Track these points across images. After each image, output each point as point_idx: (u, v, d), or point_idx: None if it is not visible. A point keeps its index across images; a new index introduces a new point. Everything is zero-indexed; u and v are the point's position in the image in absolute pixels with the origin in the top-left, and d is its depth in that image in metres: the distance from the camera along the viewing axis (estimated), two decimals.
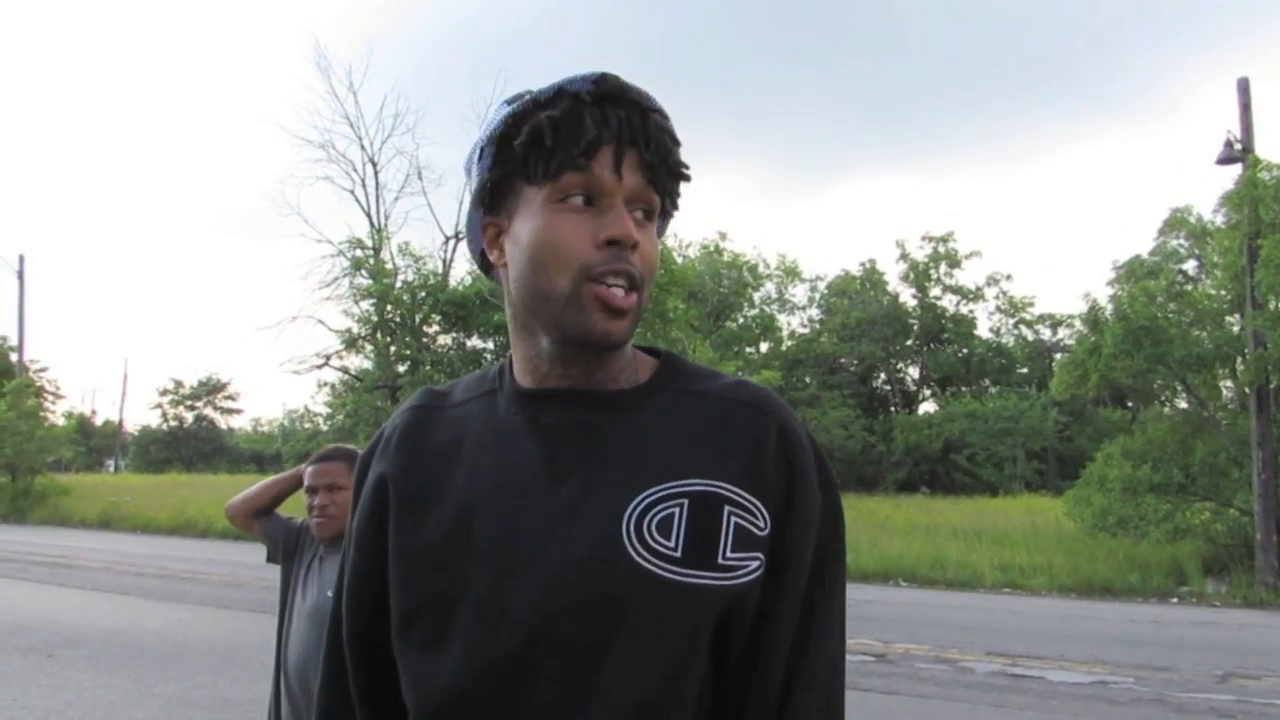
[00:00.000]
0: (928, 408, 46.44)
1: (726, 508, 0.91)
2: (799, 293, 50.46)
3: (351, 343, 25.82)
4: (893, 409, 45.94)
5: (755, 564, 0.92)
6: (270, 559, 2.87)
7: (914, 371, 48.41)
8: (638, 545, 0.90)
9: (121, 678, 7.01)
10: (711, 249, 45.33)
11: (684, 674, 0.91)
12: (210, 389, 61.52)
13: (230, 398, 62.82)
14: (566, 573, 0.90)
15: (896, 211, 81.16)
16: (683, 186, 1.00)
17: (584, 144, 0.91)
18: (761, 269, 47.83)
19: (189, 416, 61.27)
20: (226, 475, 44.03)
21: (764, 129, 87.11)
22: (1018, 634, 9.70)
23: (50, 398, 34.13)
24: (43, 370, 37.80)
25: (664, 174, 0.96)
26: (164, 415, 60.99)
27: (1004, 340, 47.28)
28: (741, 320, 46.93)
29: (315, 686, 2.38)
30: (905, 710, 6.42)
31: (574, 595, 0.89)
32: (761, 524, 0.92)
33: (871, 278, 47.88)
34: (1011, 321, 47.42)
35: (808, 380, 44.10)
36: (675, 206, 1.01)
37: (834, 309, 47.81)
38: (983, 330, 47.29)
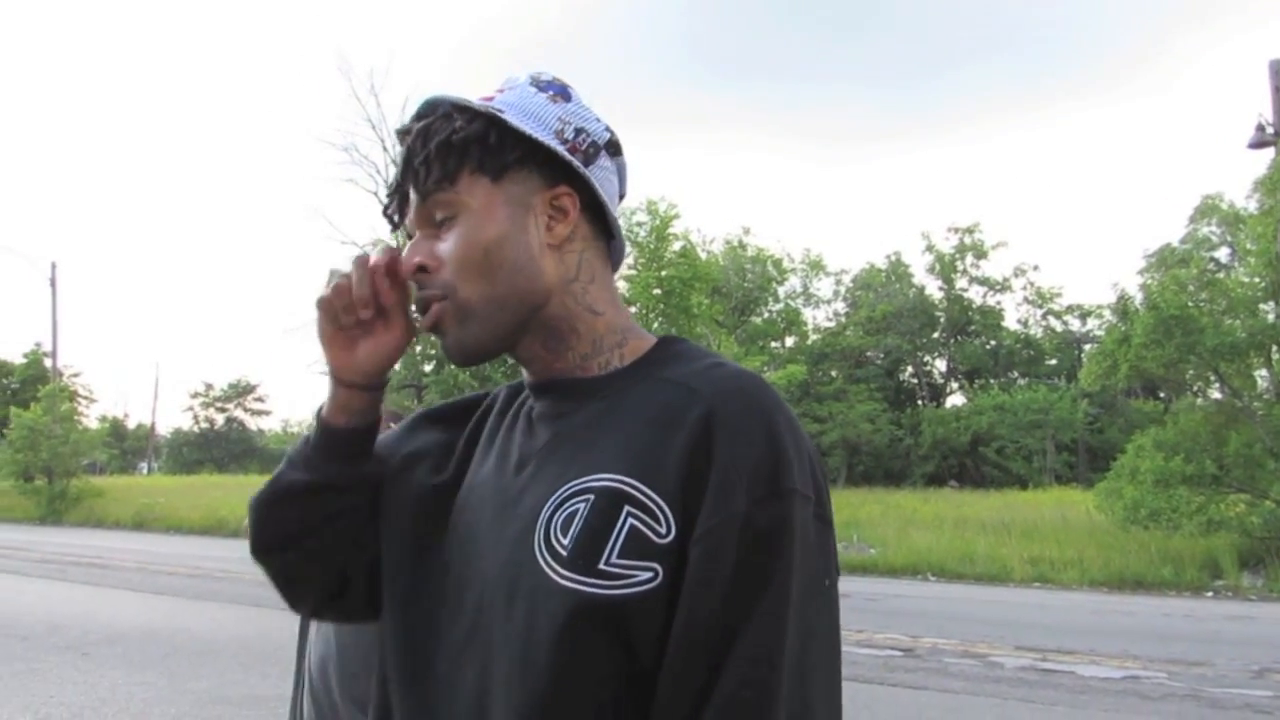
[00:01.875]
0: (955, 401, 46.10)
1: (626, 507, 0.82)
2: (824, 286, 50.33)
3: None
4: (920, 402, 45.63)
5: (646, 575, 0.80)
6: None
7: (941, 364, 48.10)
8: (542, 541, 0.85)
9: (154, 675, 7.10)
10: (735, 244, 45.22)
11: (580, 691, 0.81)
12: (240, 391, 62.12)
13: (259, 400, 63.42)
14: (495, 565, 0.89)
15: (921, 202, 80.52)
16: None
17: (386, 204, 1.00)
18: (786, 263, 47.66)
19: (220, 419, 61.89)
20: (257, 476, 44.42)
21: (786, 116, 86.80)
22: (1048, 628, 9.61)
23: (84, 402, 34.68)
24: (76, 375, 38.47)
25: (435, 171, 0.93)
26: (195, 418, 61.65)
27: (1032, 332, 46.81)
28: (766, 315, 46.78)
29: (336, 686, 2.41)
30: (933, 705, 6.38)
31: (496, 588, 0.88)
32: (662, 530, 0.81)
33: (897, 270, 47.56)
34: (1040, 312, 46.97)
35: (834, 374, 43.87)
36: (492, 151, 0.93)
37: (859, 302, 47.53)
38: (1010, 322, 46.90)
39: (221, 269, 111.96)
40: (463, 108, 0.94)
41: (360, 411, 1.00)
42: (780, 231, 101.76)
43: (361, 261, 0.96)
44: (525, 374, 1.00)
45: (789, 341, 47.52)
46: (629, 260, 26.34)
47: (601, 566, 0.80)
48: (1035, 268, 47.37)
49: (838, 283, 50.05)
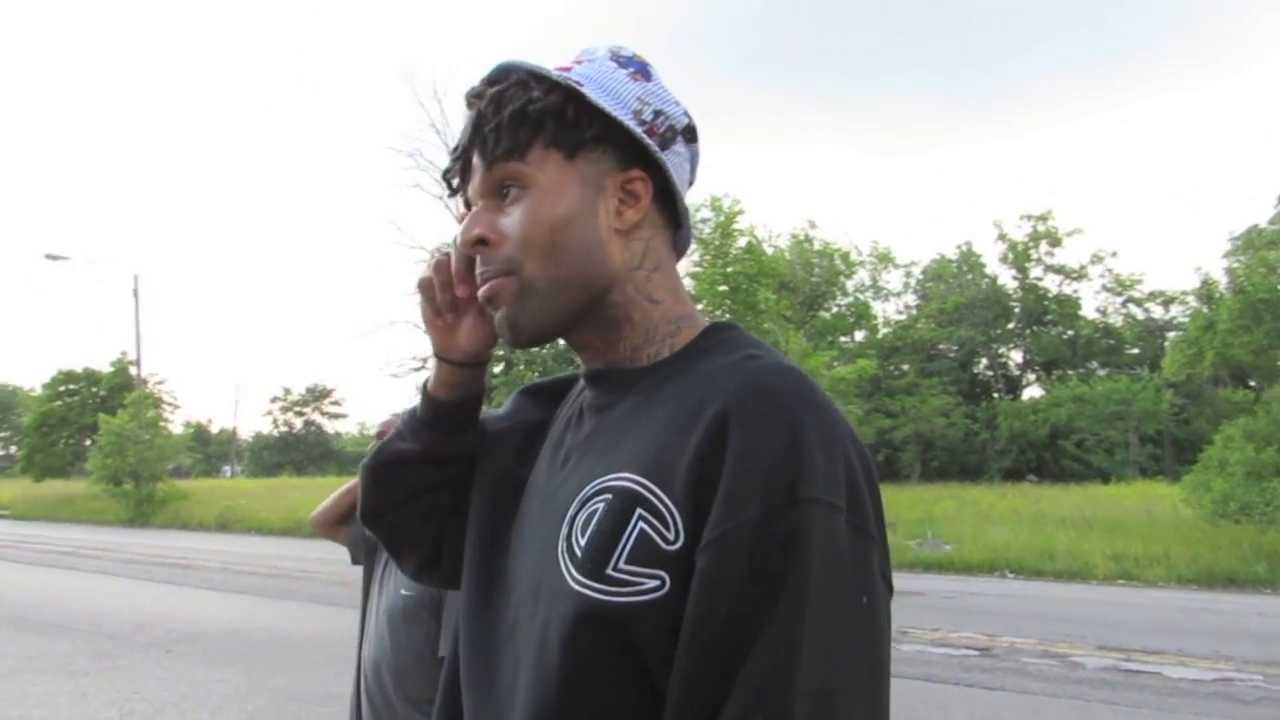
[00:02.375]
0: (1032, 393, 45.12)
1: (638, 510, 0.77)
2: (893, 279, 49.59)
3: None
4: (995, 395, 44.72)
5: (653, 584, 0.75)
6: (354, 561, 2.94)
7: (1017, 356, 47.08)
8: (564, 540, 0.82)
9: (233, 672, 7.27)
10: (801, 238, 44.81)
11: (589, 699, 0.78)
12: (317, 395, 63.65)
13: (335, 403, 64.92)
14: (530, 558, 0.88)
15: (993, 190, 78.91)
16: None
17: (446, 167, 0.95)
18: (854, 256, 47.07)
19: (298, 422, 63.54)
20: (335, 478, 45.43)
21: (851, 107, 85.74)
22: (1132, 627, 9.31)
23: (168, 408, 35.78)
24: (160, 383, 39.64)
25: (505, 141, 0.88)
26: (274, 422, 63.40)
27: (1111, 320, 45.51)
28: (835, 309, 46.28)
29: (390, 684, 2.41)
30: (1010, 706, 6.21)
31: (529, 583, 0.86)
32: (671, 535, 0.76)
33: (968, 260, 46.67)
34: (1119, 300, 45.64)
35: (905, 368, 43.25)
36: (569, 126, 0.88)
37: (930, 294, 46.75)
38: (1088, 310, 45.67)
39: (297, 276, 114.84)
40: (540, 76, 0.89)
41: (462, 385, 1.01)
42: (847, 224, 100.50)
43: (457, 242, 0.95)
44: (580, 362, 0.96)
45: (858, 336, 46.99)
46: (694, 257, 26.29)
47: (609, 571, 0.77)
48: (1114, 254, 46.19)
49: (907, 275, 49.32)
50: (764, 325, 25.93)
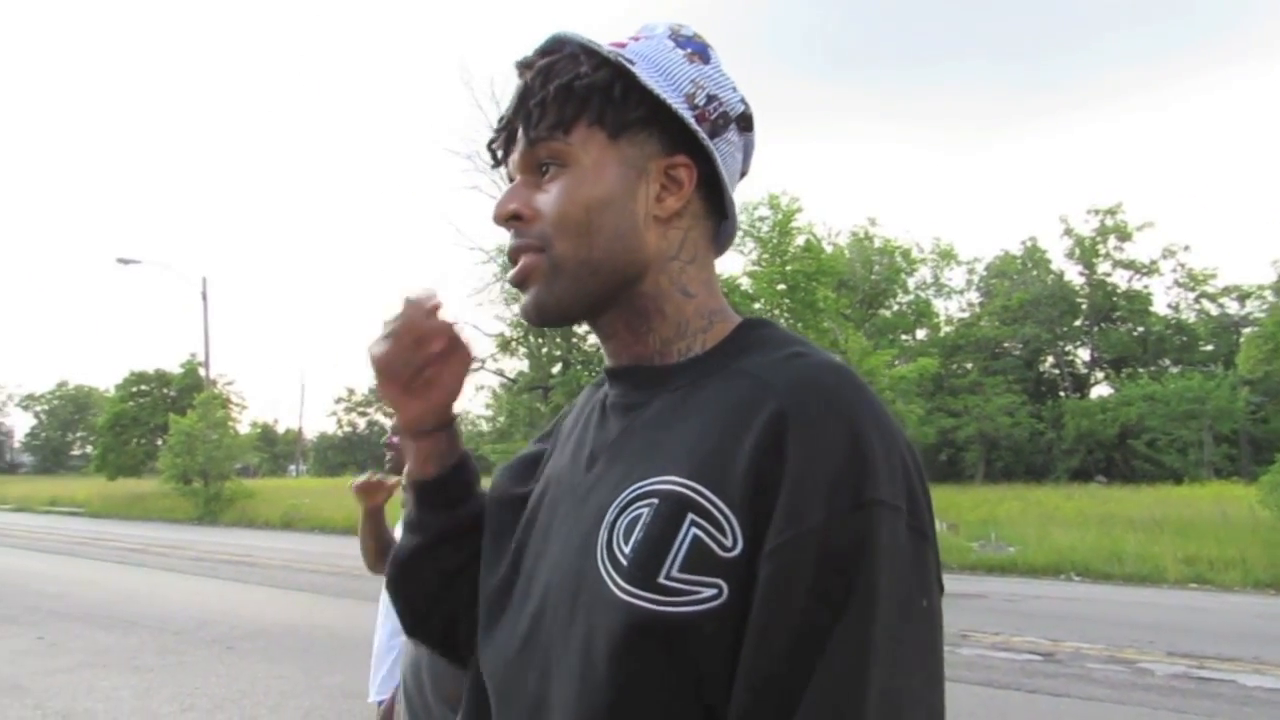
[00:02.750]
0: (1101, 391, 44.14)
1: (689, 515, 0.74)
2: (956, 276, 49.01)
3: (505, 345, 26.54)
4: (1062, 394, 43.81)
5: (710, 592, 0.72)
6: None
7: (1084, 353, 46.11)
8: (605, 546, 0.78)
9: (292, 669, 7.38)
10: (861, 235, 44.30)
11: (641, 713, 0.74)
12: (379, 396, 64.59)
13: None
14: (560, 566, 0.83)
15: (1058, 184, 77.24)
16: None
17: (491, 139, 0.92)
18: (915, 253, 46.42)
19: (361, 422, 64.59)
20: (397, 476, 46.02)
21: (912, 103, 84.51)
22: (1205, 633, 9.00)
23: (236, 409, 36.51)
24: (229, 384, 40.55)
25: (550, 116, 0.85)
26: (339, 422, 64.62)
27: (1184, 316, 44.32)
28: (896, 307, 45.72)
29: (428, 685, 2.39)
30: (1074, 713, 6.03)
31: (560, 592, 0.82)
32: (728, 542, 0.72)
33: (1033, 256, 45.81)
34: (1192, 296, 44.42)
35: (968, 366, 42.59)
36: (615, 105, 0.85)
37: (994, 291, 45.98)
38: (1160, 306, 44.63)
39: (360, 277, 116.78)
40: (591, 51, 0.85)
41: (445, 453, 0.97)
42: (909, 221, 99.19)
43: (413, 300, 0.92)
44: (604, 355, 0.93)
45: (920, 334, 46.40)
46: (751, 256, 26.13)
47: (662, 580, 0.73)
48: (1185, 248, 44.92)
49: (970, 272, 48.61)
50: (823, 324, 25.68)
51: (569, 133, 0.84)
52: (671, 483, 0.76)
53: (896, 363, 31.44)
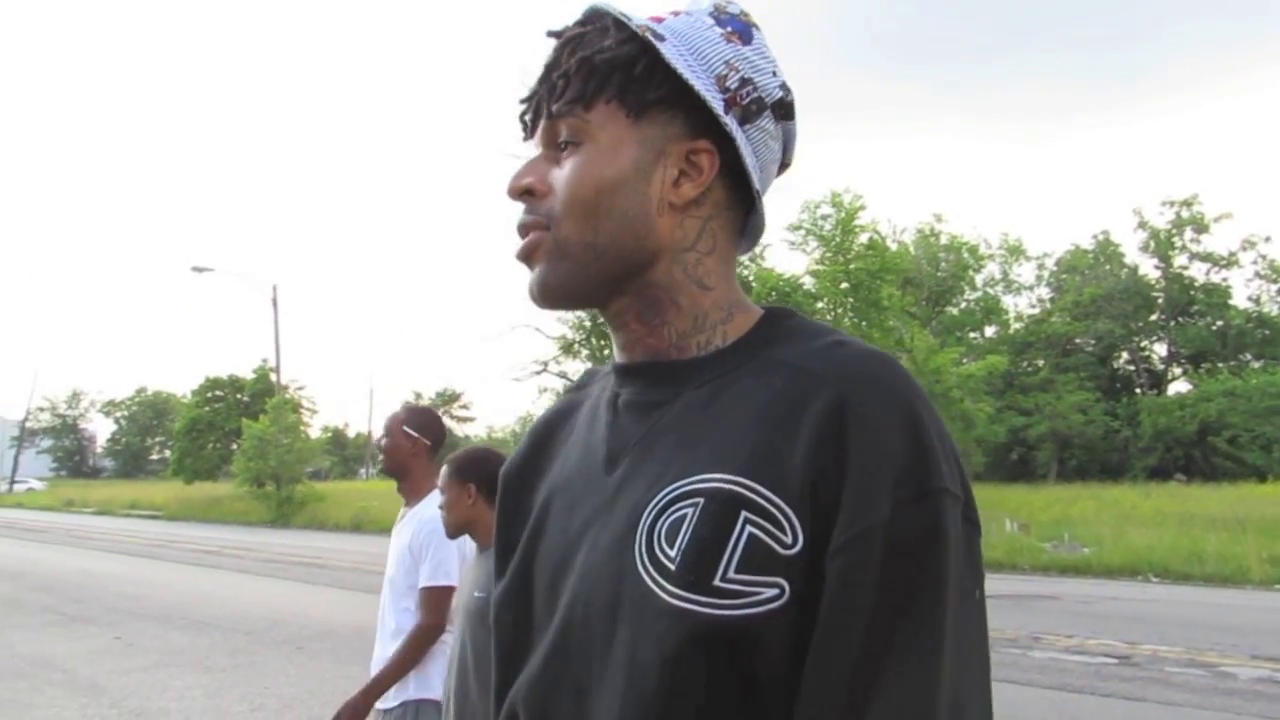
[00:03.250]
0: (1178, 387, 42.87)
1: (743, 514, 0.70)
2: (1025, 271, 47.98)
3: (567, 348, 26.67)
4: (1138, 390, 42.65)
5: (771, 593, 0.69)
6: None
7: (1160, 349, 44.83)
8: (644, 552, 0.74)
9: (360, 669, 7.42)
10: (927, 232, 43.63)
11: None
12: (446, 399, 65.48)
13: (464, 406, 66.69)
14: (589, 576, 0.79)
15: (1131, 176, 75.18)
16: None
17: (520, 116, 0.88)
18: (983, 249, 45.59)
19: None
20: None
21: (978, 97, 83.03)
22: None
23: (307, 413, 37.22)
24: (300, 389, 41.31)
25: (571, 90, 0.81)
26: None
27: (1266, 309, 42.76)
28: (963, 305, 44.95)
29: (473, 684, 2.38)
30: (1151, 718, 5.84)
31: (591, 602, 0.77)
32: (788, 539, 0.69)
33: (1106, 250, 44.68)
34: (1274, 288, 42.84)
35: (1040, 363, 41.71)
36: (636, 83, 0.80)
37: (1065, 286, 44.93)
38: (1240, 299, 43.11)
39: (427, 282, 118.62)
40: (622, 24, 0.81)
41: None
42: (975, 217, 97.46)
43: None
44: (615, 349, 0.88)
45: (989, 331, 45.56)
46: (814, 256, 25.90)
47: (717, 583, 0.69)
48: (1266, 239, 43.16)
49: (1040, 267, 47.59)
50: (887, 322, 25.36)
51: (589, 108, 0.81)
52: (718, 480, 0.72)
53: (964, 361, 30.90)
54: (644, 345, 0.84)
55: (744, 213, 0.85)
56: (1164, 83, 77.61)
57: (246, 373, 45.39)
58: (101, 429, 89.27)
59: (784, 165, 0.88)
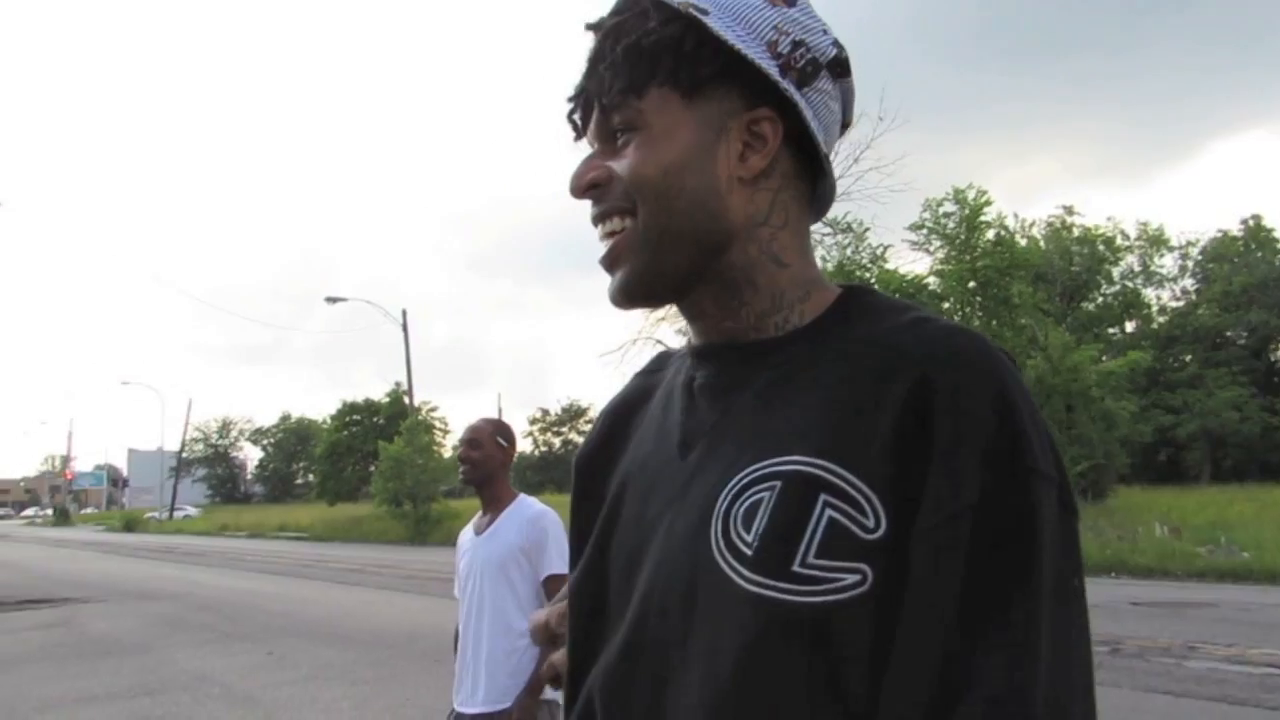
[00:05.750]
0: None
1: (822, 497, 0.68)
2: (1167, 262, 45.53)
3: None
4: None
5: (853, 579, 0.66)
6: None
7: None
8: (720, 536, 0.72)
9: None
10: (1057, 225, 41.98)
11: (777, 713, 0.68)
12: (572, 415, 66.42)
13: (589, 422, 67.38)
14: (666, 562, 0.77)
15: None
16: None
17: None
18: (1119, 241, 43.55)
19: (557, 442, 66.46)
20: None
21: (1106, 92, 79.58)
22: None
23: (439, 434, 38.27)
24: (432, 410, 42.58)
25: (620, 80, 0.79)
26: (535, 442, 66.69)
27: None
28: (1100, 299, 43.01)
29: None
30: None
31: (668, 589, 0.76)
32: (870, 522, 0.67)
33: (1257, 236, 42.10)
34: None
35: (1186, 359, 39.58)
36: (687, 62, 0.78)
37: (1212, 276, 42.52)
38: None
39: (552, 300, 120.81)
40: (661, 4, 0.79)
41: None
42: (1111, 207, 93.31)
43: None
44: (690, 334, 0.87)
45: (1129, 326, 43.44)
46: (938, 255, 25.24)
47: (796, 568, 0.67)
48: None
49: (1184, 257, 45.15)
50: (1019, 320, 24.46)
51: (641, 96, 0.78)
52: (796, 463, 0.70)
53: (1103, 358, 29.55)
54: (721, 328, 0.82)
55: (811, 182, 0.83)
56: None
57: (380, 396, 47.09)
58: (251, 456, 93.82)
59: (845, 125, 0.85)
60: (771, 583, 0.68)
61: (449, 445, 47.05)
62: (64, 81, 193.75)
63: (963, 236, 24.50)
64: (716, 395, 0.81)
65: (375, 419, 46.17)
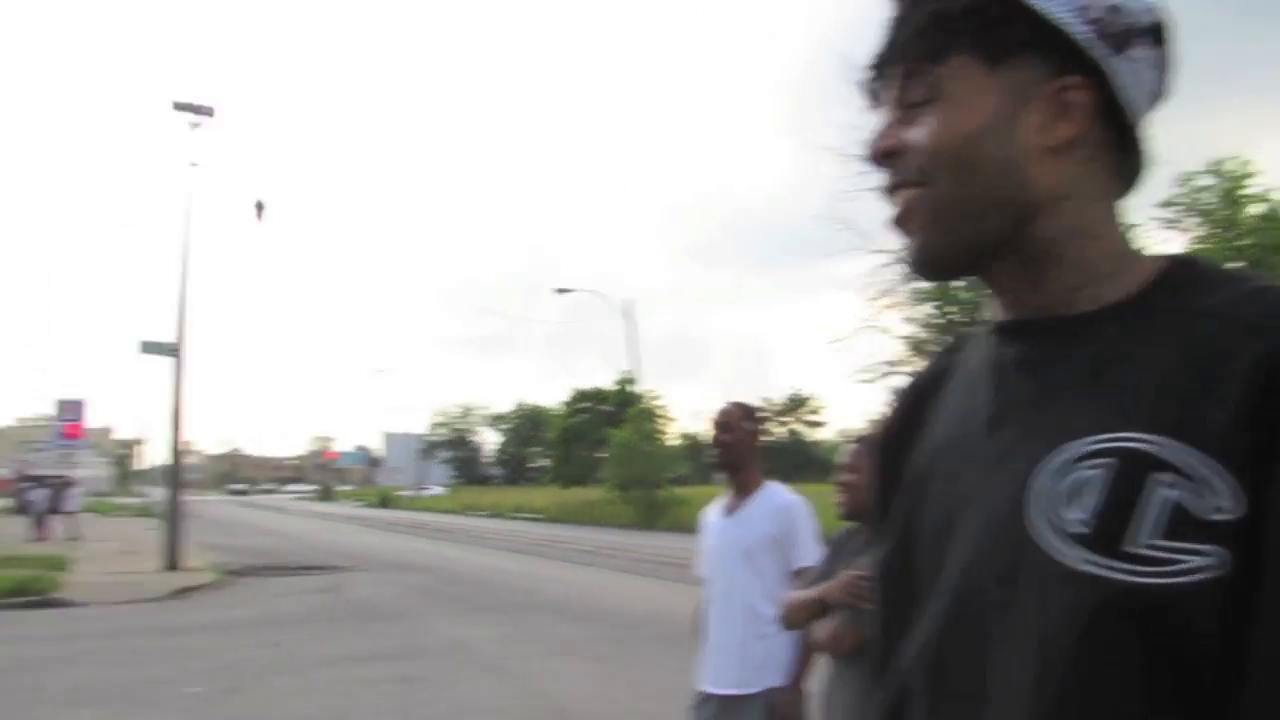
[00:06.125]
0: None
1: (1159, 474, 0.65)
2: None
3: (917, 347, 25.86)
4: None
5: (1198, 561, 0.62)
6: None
7: None
8: (1036, 514, 0.70)
9: None
10: None
11: (1116, 702, 0.65)
12: (796, 404, 65.94)
13: (814, 411, 66.75)
14: (977, 539, 0.75)
15: None
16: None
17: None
18: None
19: (781, 431, 66.20)
20: (815, 485, 46.54)
21: None
22: None
23: (664, 421, 39.07)
24: (657, 398, 43.50)
25: (920, 46, 0.77)
26: None
27: None
28: None
29: None
30: None
31: (981, 567, 0.74)
32: (1215, 503, 0.63)
33: None
34: None
35: None
36: (993, 28, 0.75)
37: None
38: None
39: (769, 289, 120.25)
40: None
41: None
42: None
43: None
44: (995, 309, 0.84)
45: None
46: (1194, 234, 23.18)
47: (1132, 548, 0.64)
48: None
49: None
50: None
51: (942, 63, 0.76)
52: (1130, 439, 0.67)
53: None
54: (1028, 302, 0.79)
55: (1122, 155, 0.79)
56: None
57: (608, 384, 48.53)
58: (489, 440, 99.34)
59: (1160, 96, 0.79)
60: (1106, 561, 0.65)
61: (674, 432, 47.93)
62: (325, 94, 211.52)
63: (1224, 212, 22.36)
64: (1028, 370, 0.78)
65: (604, 406, 47.63)
